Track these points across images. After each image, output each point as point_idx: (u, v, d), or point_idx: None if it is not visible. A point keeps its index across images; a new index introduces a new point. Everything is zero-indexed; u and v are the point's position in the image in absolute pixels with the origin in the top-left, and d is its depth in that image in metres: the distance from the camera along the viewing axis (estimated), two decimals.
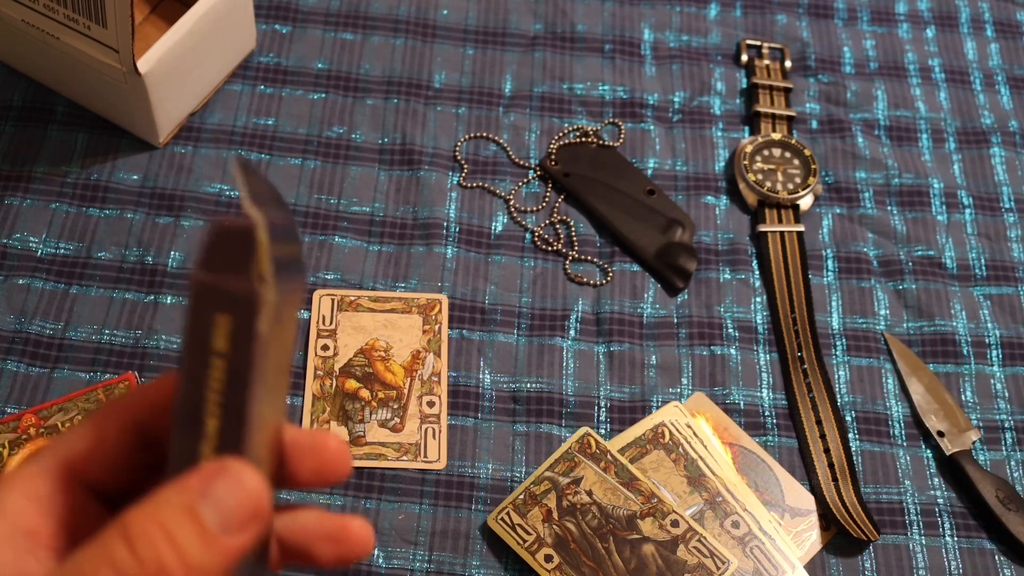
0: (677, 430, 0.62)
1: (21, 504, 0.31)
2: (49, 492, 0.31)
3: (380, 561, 0.58)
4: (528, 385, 0.63)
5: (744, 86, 0.76)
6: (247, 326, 0.29)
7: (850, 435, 0.63)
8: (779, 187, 0.70)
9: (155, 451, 0.33)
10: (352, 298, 0.65)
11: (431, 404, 0.62)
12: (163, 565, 0.28)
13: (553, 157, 0.71)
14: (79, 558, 0.28)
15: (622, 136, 0.72)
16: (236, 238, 0.29)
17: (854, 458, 0.62)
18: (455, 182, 0.70)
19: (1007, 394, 0.65)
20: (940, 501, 0.61)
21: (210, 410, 0.30)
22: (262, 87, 0.72)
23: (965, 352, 0.66)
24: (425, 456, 0.60)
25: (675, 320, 0.66)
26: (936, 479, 0.62)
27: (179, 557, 0.28)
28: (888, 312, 0.67)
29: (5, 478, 0.32)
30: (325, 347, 0.63)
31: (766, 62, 0.76)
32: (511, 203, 0.69)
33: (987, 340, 0.66)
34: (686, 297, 0.67)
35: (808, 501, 0.61)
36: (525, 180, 0.70)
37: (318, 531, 0.33)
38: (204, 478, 0.29)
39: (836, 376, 0.65)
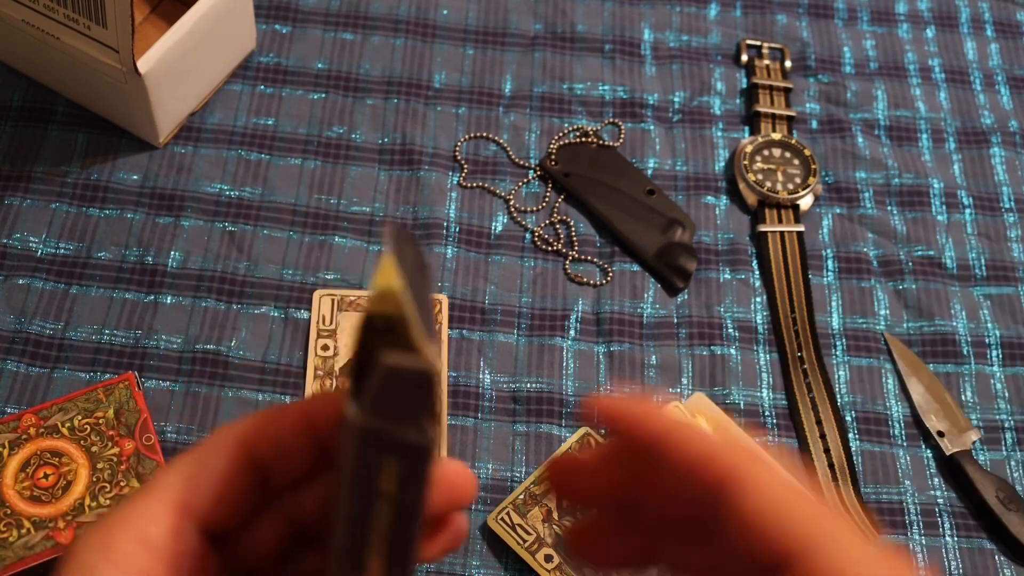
0: None
1: (134, 549, 0.29)
2: (162, 535, 0.30)
3: None
4: (528, 385, 0.63)
5: (744, 86, 0.76)
6: (418, 470, 0.28)
7: (850, 435, 0.63)
8: (779, 187, 0.70)
9: (265, 485, 0.32)
10: (352, 298, 0.65)
11: None
12: None
13: (553, 157, 0.71)
14: None
15: (622, 136, 0.72)
16: (409, 381, 0.27)
17: (854, 458, 0.62)
18: (455, 182, 0.70)
19: (1007, 394, 0.65)
20: (940, 501, 0.61)
21: (375, 550, 0.29)
22: (262, 87, 0.72)
23: (965, 352, 0.66)
24: None
25: (675, 320, 0.66)
26: (936, 479, 0.62)
27: None
28: (888, 312, 0.67)
29: (118, 520, 0.30)
30: (325, 347, 0.63)
31: (766, 62, 0.76)
32: (511, 203, 0.69)
33: (987, 340, 0.66)
34: (686, 297, 0.67)
35: None
36: (525, 180, 0.70)
37: None
38: None
39: (836, 376, 0.65)
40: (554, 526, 0.58)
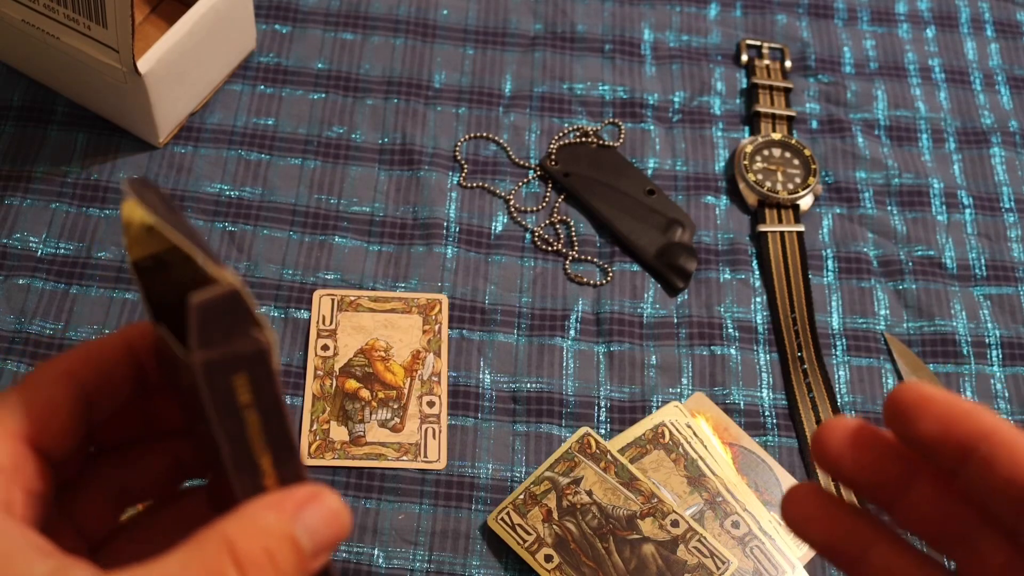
0: (677, 430, 0.62)
1: None
2: (12, 461, 0.31)
3: (380, 561, 0.58)
4: (528, 385, 0.63)
5: (744, 86, 0.76)
6: (264, 371, 0.30)
7: None
8: (779, 187, 0.70)
9: (91, 414, 0.34)
10: (352, 298, 0.65)
11: (431, 404, 0.62)
12: None
13: (553, 157, 0.71)
14: (180, 572, 0.29)
15: (622, 136, 0.72)
16: (222, 306, 0.29)
17: None
18: (455, 182, 0.70)
19: (1007, 394, 0.65)
20: None
21: (259, 452, 0.31)
22: (262, 87, 0.72)
23: (965, 352, 0.66)
24: (425, 456, 0.60)
25: (675, 320, 0.66)
26: None
27: None
28: (888, 312, 0.67)
29: None
30: (325, 347, 0.63)
31: (766, 62, 0.76)
32: (511, 203, 0.69)
33: (987, 340, 0.66)
34: (686, 297, 0.67)
35: None
36: (525, 180, 0.70)
37: None
38: (298, 504, 0.31)
39: (836, 376, 0.65)
40: (554, 526, 0.58)
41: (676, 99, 0.75)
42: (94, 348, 0.34)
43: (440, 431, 0.61)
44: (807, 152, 0.71)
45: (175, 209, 0.34)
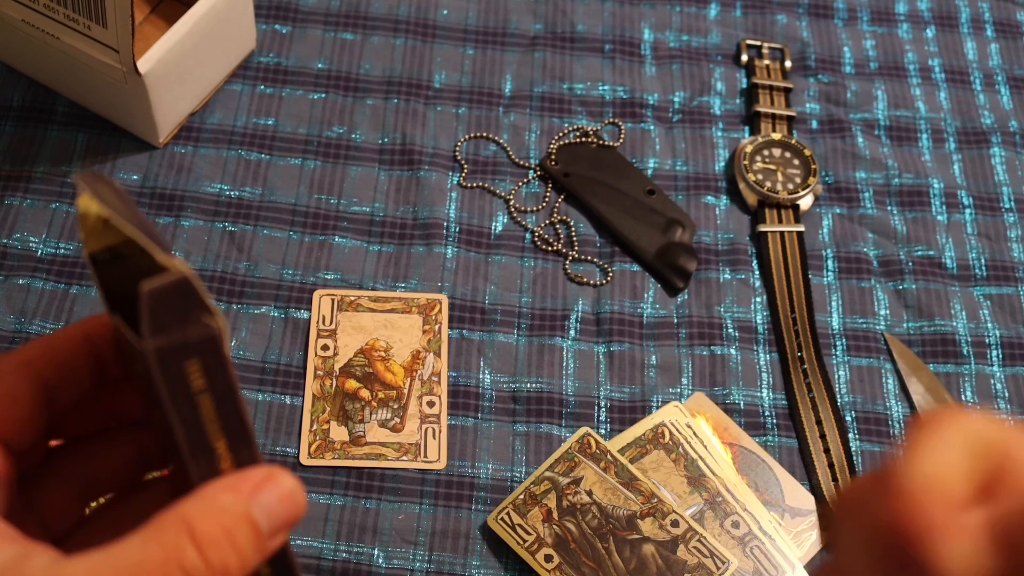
0: (677, 430, 0.62)
1: None
2: None
3: (380, 561, 0.58)
4: (528, 385, 0.63)
5: (744, 86, 0.76)
6: (216, 357, 0.31)
7: (850, 435, 0.63)
8: (779, 187, 0.70)
9: (52, 406, 0.34)
10: (352, 298, 0.65)
11: (431, 404, 0.62)
12: (228, 568, 0.30)
13: (553, 157, 0.71)
14: (140, 554, 0.29)
15: (622, 136, 0.72)
16: (173, 293, 0.29)
17: (854, 458, 0.62)
18: (455, 182, 0.70)
19: (1007, 394, 0.65)
20: None
21: (214, 436, 0.31)
22: (262, 87, 0.72)
23: (965, 352, 0.66)
24: (425, 456, 0.60)
25: (675, 320, 0.66)
26: None
27: (240, 560, 0.30)
28: (888, 312, 0.67)
29: None
30: (325, 347, 0.63)
31: (766, 62, 0.76)
32: (511, 203, 0.69)
33: (987, 340, 0.66)
34: (686, 297, 0.67)
35: (808, 501, 0.61)
36: (525, 180, 0.70)
37: None
38: (254, 485, 0.31)
39: (836, 376, 0.65)
40: (554, 526, 0.58)
41: (676, 99, 0.75)
42: (52, 340, 0.35)
43: (440, 431, 0.61)
44: (807, 152, 0.71)
45: (129, 201, 0.34)
